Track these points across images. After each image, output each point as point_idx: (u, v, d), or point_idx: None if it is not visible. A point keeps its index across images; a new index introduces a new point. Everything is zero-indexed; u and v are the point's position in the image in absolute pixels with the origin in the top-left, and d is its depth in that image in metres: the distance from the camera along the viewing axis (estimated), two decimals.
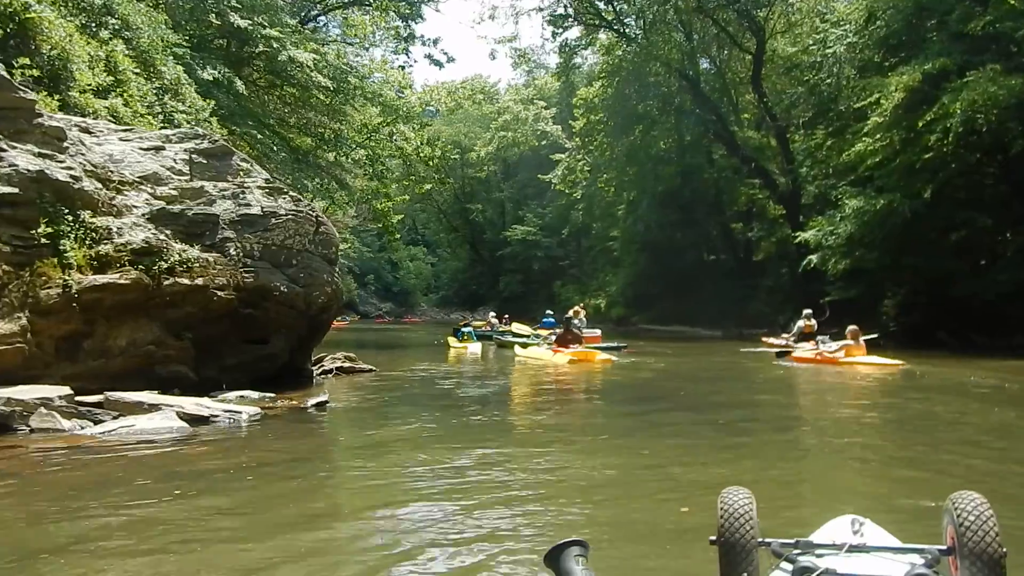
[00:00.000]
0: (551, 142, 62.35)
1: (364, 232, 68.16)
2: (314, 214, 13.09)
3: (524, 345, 24.60)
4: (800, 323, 22.76)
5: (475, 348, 26.25)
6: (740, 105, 44.27)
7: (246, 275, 11.36)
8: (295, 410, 10.56)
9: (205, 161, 12.43)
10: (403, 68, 36.83)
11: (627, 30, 43.68)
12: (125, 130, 12.36)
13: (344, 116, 30.36)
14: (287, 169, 26.38)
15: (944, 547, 2.55)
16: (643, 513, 5.71)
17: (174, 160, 11.97)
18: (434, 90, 47.42)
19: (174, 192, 11.36)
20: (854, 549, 2.57)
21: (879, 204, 24.34)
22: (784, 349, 22.20)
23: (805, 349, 20.89)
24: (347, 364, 16.21)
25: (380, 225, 40.83)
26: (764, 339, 26.31)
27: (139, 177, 11.13)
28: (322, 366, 15.80)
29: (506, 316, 37.72)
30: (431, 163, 39.30)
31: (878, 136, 24.49)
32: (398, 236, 55.50)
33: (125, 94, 15.82)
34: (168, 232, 10.61)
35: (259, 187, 12.43)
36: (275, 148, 25.87)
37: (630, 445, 8.66)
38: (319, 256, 13.00)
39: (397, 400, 13.27)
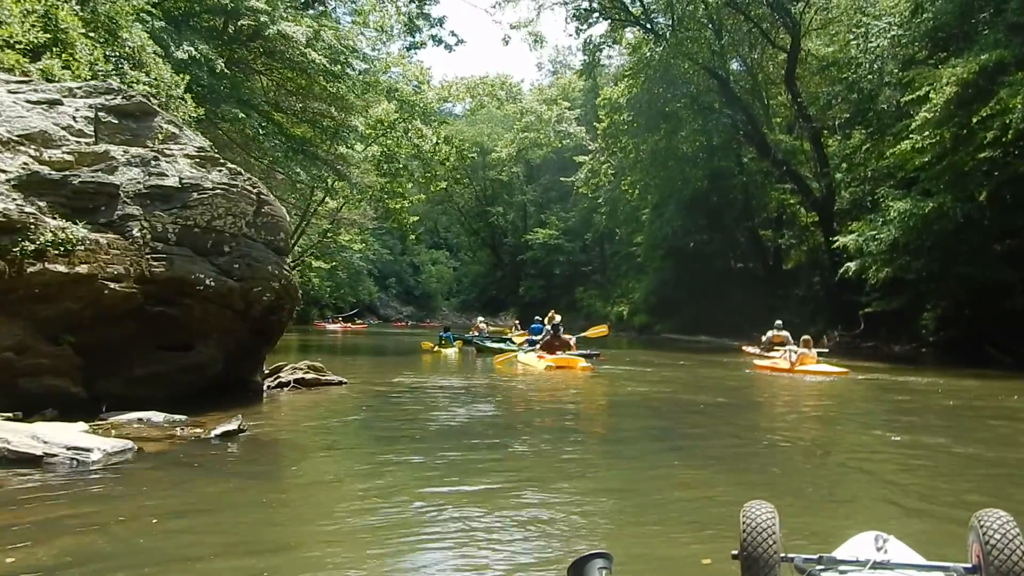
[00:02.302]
0: (575, 144, 60.45)
1: (385, 235, 66.85)
2: (255, 190, 10.54)
3: (503, 351, 24.94)
4: (770, 333, 23.74)
5: (449, 352, 26.90)
6: (772, 106, 42.83)
7: (155, 263, 8.95)
8: (194, 442, 7.88)
9: (117, 121, 10.09)
10: (414, 49, 35.15)
11: (654, 26, 42.19)
12: (20, 81, 10.04)
13: (349, 106, 28.26)
14: (278, 156, 24.42)
15: (969, 565, 2.55)
16: (656, 536, 5.25)
17: (73, 118, 9.62)
18: (453, 85, 45.85)
19: (68, 156, 8.96)
20: (878, 566, 2.57)
21: (928, 207, 22.37)
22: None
23: (772, 358, 21.49)
24: (310, 376, 13.58)
25: (394, 224, 39.81)
26: (743, 348, 27.18)
27: (19, 136, 8.80)
28: (278, 378, 13.24)
29: (516, 322, 40.15)
30: (447, 163, 37.67)
31: (926, 134, 22.51)
32: (414, 236, 54.41)
33: (64, 55, 13.76)
34: (42, 204, 8.19)
35: (187, 155, 10.08)
36: (263, 132, 23.77)
37: (620, 468, 7.95)
38: (262, 243, 10.60)
39: (348, 425, 10.43)
